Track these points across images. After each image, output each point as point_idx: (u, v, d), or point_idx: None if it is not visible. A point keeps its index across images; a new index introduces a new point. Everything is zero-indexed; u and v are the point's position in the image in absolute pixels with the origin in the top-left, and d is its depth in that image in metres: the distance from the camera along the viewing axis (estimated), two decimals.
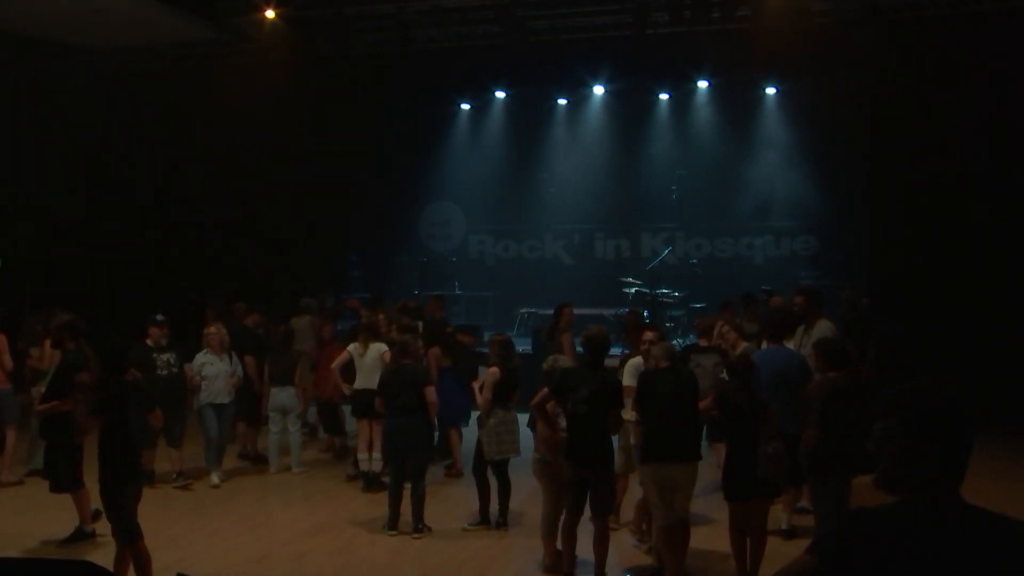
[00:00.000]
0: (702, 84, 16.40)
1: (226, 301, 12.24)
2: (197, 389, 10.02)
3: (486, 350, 9.28)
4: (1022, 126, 12.92)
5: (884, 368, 10.03)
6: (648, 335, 7.68)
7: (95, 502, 7.39)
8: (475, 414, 9.10)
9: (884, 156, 14.01)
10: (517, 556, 7.86)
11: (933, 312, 12.98)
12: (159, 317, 10.09)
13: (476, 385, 8.90)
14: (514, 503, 8.60)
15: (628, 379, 7.45)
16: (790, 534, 7.94)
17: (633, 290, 15.57)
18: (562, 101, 17.42)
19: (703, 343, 9.14)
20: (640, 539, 7.81)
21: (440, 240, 18.31)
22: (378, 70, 15.63)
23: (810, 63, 13.64)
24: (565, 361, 7.97)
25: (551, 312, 11.24)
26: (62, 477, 8.14)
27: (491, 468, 8.48)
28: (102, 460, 6.56)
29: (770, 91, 16.25)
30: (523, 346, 12.75)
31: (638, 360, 7.63)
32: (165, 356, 9.97)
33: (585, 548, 7.17)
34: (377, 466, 9.76)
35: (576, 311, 11.28)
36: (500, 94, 17.38)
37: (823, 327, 8.74)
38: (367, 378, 9.63)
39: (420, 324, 10.53)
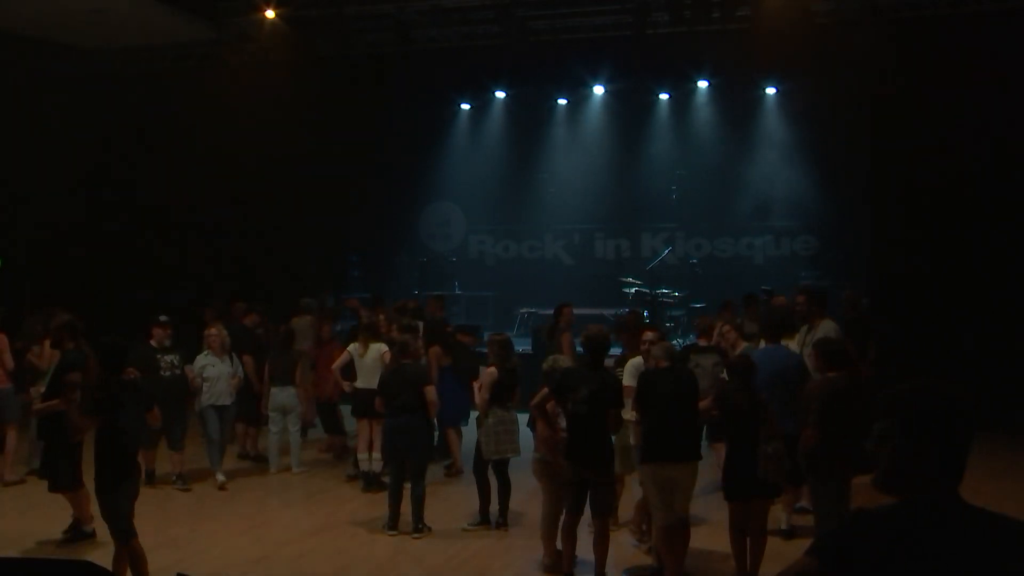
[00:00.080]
0: (702, 84, 16.40)
1: (226, 301, 12.25)
2: (199, 391, 10.01)
3: (485, 350, 9.29)
4: (1022, 126, 12.92)
5: (884, 368, 10.03)
6: (648, 335, 7.68)
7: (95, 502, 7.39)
8: (474, 414, 9.10)
9: (884, 156, 14.01)
10: (517, 556, 7.86)
11: (933, 312, 12.99)
12: (163, 318, 10.09)
13: (476, 385, 8.91)
14: (514, 503, 8.60)
15: (628, 379, 7.45)
16: (790, 534, 7.94)
17: (633, 290, 15.57)
18: (562, 101, 17.41)
19: (702, 343, 9.14)
20: (640, 539, 7.81)
21: (440, 240, 18.30)
22: (378, 70, 15.64)
23: (810, 63, 13.63)
24: (565, 361, 7.97)
25: (551, 312, 11.24)
26: (61, 476, 8.14)
27: (491, 468, 8.49)
28: (97, 459, 6.57)
29: (770, 91, 16.24)
30: (523, 346, 12.76)
31: (638, 360, 7.63)
32: (168, 357, 9.96)
33: (585, 548, 7.17)
34: (377, 466, 9.76)
35: (576, 311, 11.27)
36: (500, 94, 17.38)
37: (826, 327, 8.74)
38: (367, 378, 9.63)
39: (420, 324, 10.53)
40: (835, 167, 14.99)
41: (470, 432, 9.76)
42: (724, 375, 7.92)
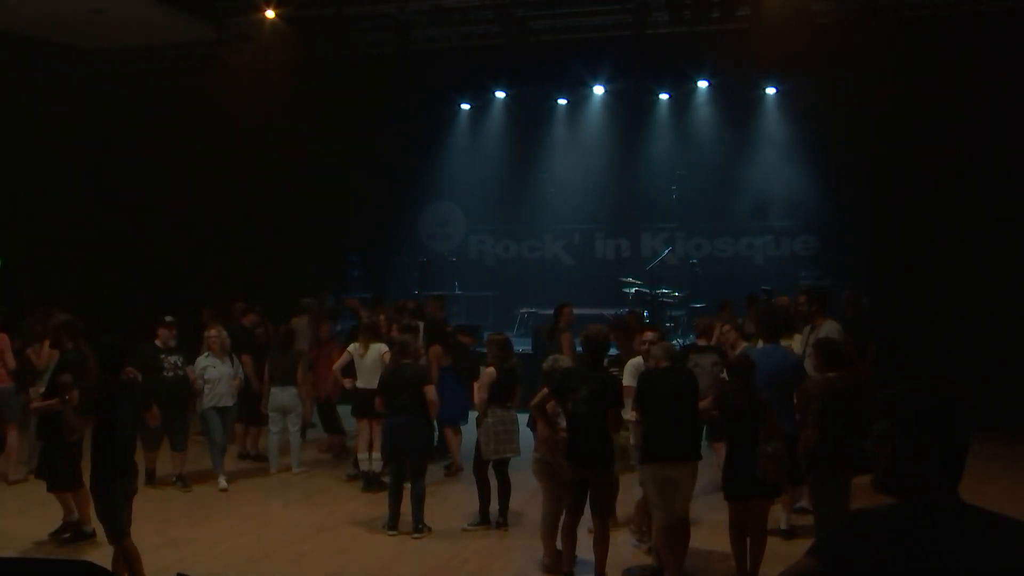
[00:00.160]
0: (702, 84, 16.38)
1: (225, 301, 12.25)
2: (200, 393, 10.00)
3: (484, 350, 9.29)
4: (1022, 126, 12.92)
5: (884, 368, 10.03)
6: (648, 335, 7.69)
7: None
8: (474, 414, 9.10)
9: (884, 156, 14.00)
10: (517, 556, 7.86)
11: (933, 312, 12.99)
12: (168, 318, 10.10)
13: (476, 385, 8.90)
14: (514, 503, 8.61)
15: (628, 379, 7.45)
16: (790, 534, 7.95)
17: (633, 290, 15.57)
18: (562, 101, 17.39)
19: (702, 343, 9.14)
20: (640, 539, 7.81)
21: (440, 240, 18.30)
22: (378, 70, 15.62)
23: (810, 63, 13.62)
24: (565, 361, 7.97)
25: (551, 312, 11.24)
26: (61, 476, 8.14)
27: (491, 468, 8.49)
28: (93, 458, 6.59)
29: (770, 91, 16.23)
30: (523, 346, 12.75)
31: (638, 360, 7.63)
32: (172, 358, 9.97)
33: (585, 548, 7.17)
34: (377, 466, 9.77)
35: (576, 311, 11.27)
36: (500, 94, 17.37)
37: (829, 327, 8.73)
38: (368, 378, 9.63)
39: (421, 324, 10.53)
40: (835, 167, 14.98)
41: (470, 432, 9.76)
42: (724, 375, 7.92)
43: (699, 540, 7.45)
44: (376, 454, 9.68)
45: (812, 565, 2.35)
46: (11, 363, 9.99)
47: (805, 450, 6.80)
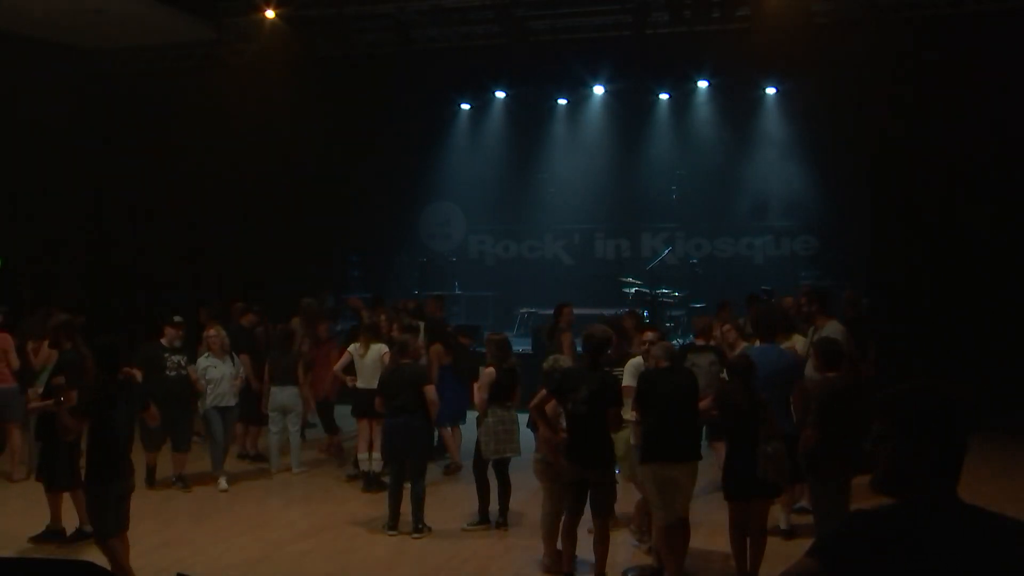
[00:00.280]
0: (702, 84, 16.40)
1: (224, 301, 12.24)
2: (204, 393, 10.01)
3: (483, 349, 9.29)
4: (1022, 126, 12.92)
5: (884, 368, 10.03)
6: (648, 335, 7.69)
7: None
8: (474, 413, 9.10)
9: (884, 156, 14.01)
10: (517, 556, 7.86)
11: (933, 312, 12.99)
12: (177, 318, 10.10)
13: (476, 385, 8.90)
14: (514, 503, 8.61)
15: (628, 379, 7.45)
16: (790, 534, 7.94)
17: (633, 290, 15.57)
18: (562, 101, 17.41)
19: (700, 343, 9.14)
20: (640, 539, 7.81)
21: (440, 240, 18.31)
22: (378, 70, 15.63)
23: (810, 63, 13.63)
24: (565, 361, 7.97)
25: (551, 312, 11.24)
26: (60, 477, 8.14)
27: (491, 468, 8.49)
28: (88, 458, 6.61)
29: (770, 91, 16.24)
30: (523, 346, 12.76)
31: (638, 360, 7.63)
32: (176, 357, 9.97)
33: (585, 548, 7.17)
34: (377, 466, 9.77)
35: (576, 311, 11.27)
36: (500, 94, 17.38)
37: (832, 327, 8.72)
38: (368, 378, 9.63)
39: (421, 324, 10.53)
40: (835, 167, 14.99)
41: (470, 431, 9.77)
42: (723, 375, 7.92)
43: (699, 540, 7.45)
44: (376, 454, 9.68)
45: (812, 565, 2.35)
46: (15, 363, 10.00)
47: (805, 450, 6.80)
